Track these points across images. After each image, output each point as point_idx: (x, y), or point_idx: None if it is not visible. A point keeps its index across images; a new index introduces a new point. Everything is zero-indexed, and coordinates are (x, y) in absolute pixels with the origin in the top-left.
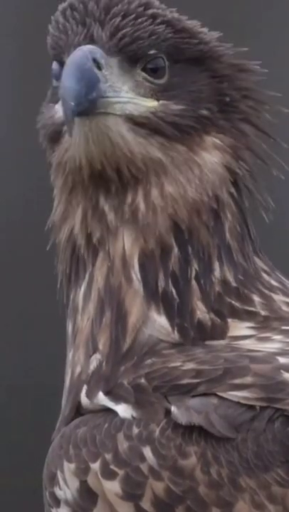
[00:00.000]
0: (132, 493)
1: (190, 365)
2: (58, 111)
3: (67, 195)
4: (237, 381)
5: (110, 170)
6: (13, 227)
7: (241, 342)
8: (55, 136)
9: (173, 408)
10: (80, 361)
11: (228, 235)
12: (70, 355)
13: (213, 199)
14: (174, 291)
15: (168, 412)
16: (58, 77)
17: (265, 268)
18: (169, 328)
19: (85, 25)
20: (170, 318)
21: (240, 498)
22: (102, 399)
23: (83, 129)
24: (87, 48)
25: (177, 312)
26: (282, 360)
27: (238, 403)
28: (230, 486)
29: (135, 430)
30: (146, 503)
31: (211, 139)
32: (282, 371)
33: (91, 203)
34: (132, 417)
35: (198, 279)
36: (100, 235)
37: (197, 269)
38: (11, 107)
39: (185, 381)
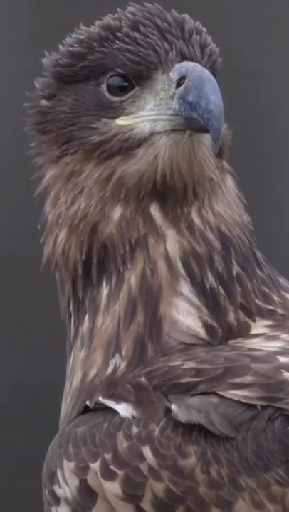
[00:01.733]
0: (132, 494)
1: (190, 364)
2: (139, 126)
3: (104, 200)
4: (237, 380)
5: (180, 185)
6: (16, 228)
7: (251, 341)
8: (117, 151)
9: (173, 407)
10: (97, 364)
11: (253, 243)
12: (81, 356)
13: (242, 216)
14: (220, 289)
15: (168, 411)
16: (124, 90)
17: (275, 270)
18: (197, 329)
19: (169, 42)
20: (209, 316)
21: (240, 498)
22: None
23: (180, 143)
24: (201, 65)
25: (218, 310)
26: (282, 359)
27: (238, 402)
28: (230, 486)
29: (135, 429)
30: (146, 504)
31: (224, 163)
32: (282, 370)
33: (138, 209)
34: (132, 416)
35: (239, 279)
36: (141, 237)
37: (238, 270)
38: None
39: (185, 380)
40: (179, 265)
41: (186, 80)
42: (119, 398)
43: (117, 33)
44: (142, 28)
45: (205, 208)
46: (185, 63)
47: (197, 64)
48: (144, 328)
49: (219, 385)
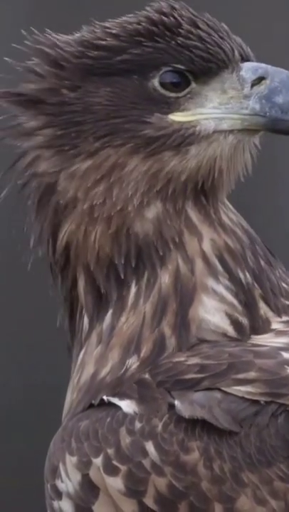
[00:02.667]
0: (135, 489)
1: (194, 360)
2: (203, 123)
3: (148, 195)
4: (241, 376)
5: (226, 183)
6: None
7: (264, 336)
8: (172, 147)
9: (176, 402)
10: (113, 362)
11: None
12: (96, 352)
13: None
14: (255, 283)
15: (171, 407)
16: (177, 86)
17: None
18: (225, 327)
19: (227, 41)
20: (241, 313)
21: (243, 494)
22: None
23: (240, 143)
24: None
25: (252, 305)
26: (286, 355)
27: (242, 398)
28: (233, 481)
29: (138, 425)
30: (149, 500)
31: None
32: (286, 366)
33: (176, 207)
34: (135, 412)
35: (267, 273)
36: (178, 235)
37: (263, 264)
38: None
39: (189, 376)
40: (216, 262)
41: (269, 81)
42: (122, 395)
43: (177, 30)
44: (201, 25)
45: (225, 205)
46: (256, 64)
47: (270, 66)
48: (173, 328)
49: (223, 381)
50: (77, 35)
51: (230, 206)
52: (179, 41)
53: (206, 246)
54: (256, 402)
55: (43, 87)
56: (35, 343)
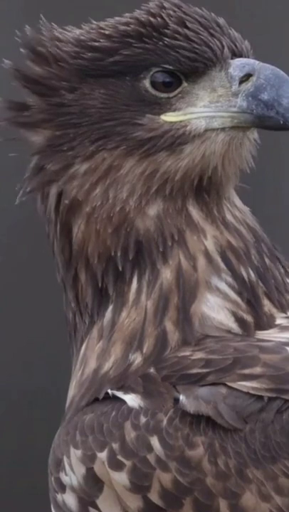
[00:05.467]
0: (140, 484)
1: (199, 355)
2: (194, 123)
3: (146, 195)
4: (246, 371)
5: (225, 181)
6: (13, 225)
7: (268, 331)
8: (164, 147)
9: (181, 397)
10: (115, 357)
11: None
12: (98, 347)
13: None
14: (259, 282)
15: (176, 402)
16: (169, 86)
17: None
18: (229, 324)
19: (217, 38)
20: (245, 310)
21: (247, 490)
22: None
23: (234, 140)
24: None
25: (256, 303)
26: None
27: (247, 393)
28: (238, 477)
29: (142, 419)
30: (153, 495)
31: None
32: None
33: (176, 205)
34: (140, 406)
35: (271, 271)
36: (179, 233)
37: (268, 262)
38: None
39: (194, 370)
40: (219, 259)
41: (255, 78)
42: (127, 389)
43: (164, 30)
44: (189, 24)
45: (230, 202)
46: (245, 60)
47: (258, 62)
48: (175, 324)
49: (228, 376)
50: (78, 32)
51: (238, 203)
52: (165, 42)
53: (209, 243)
54: (261, 397)
55: (44, 87)
56: (35, 343)
